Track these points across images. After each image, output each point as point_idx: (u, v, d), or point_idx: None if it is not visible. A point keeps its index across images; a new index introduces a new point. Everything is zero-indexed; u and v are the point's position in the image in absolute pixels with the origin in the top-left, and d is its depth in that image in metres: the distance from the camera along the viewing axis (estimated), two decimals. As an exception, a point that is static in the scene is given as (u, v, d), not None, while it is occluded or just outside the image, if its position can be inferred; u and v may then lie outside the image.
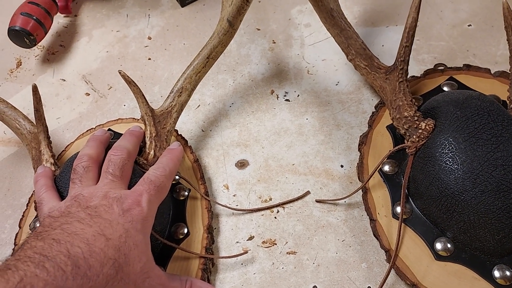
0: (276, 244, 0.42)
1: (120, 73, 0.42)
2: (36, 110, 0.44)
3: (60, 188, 0.39)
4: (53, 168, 0.43)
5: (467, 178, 0.36)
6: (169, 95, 0.46)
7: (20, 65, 0.61)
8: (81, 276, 0.28)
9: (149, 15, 0.64)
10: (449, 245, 0.37)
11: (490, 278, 0.36)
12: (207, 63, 0.47)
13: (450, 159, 0.37)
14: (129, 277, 0.30)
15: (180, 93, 0.46)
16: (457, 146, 0.37)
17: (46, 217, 0.32)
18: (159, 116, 0.44)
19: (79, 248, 0.29)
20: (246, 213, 0.44)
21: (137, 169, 0.41)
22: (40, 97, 0.43)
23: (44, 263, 0.27)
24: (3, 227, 0.46)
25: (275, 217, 0.43)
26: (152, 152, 0.42)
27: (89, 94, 0.56)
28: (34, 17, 0.56)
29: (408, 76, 0.49)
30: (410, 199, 0.40)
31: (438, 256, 0.37)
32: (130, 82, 0.43)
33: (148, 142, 0.43)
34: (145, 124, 0.43)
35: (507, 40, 0.41)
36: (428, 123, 0.40)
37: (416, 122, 0.40)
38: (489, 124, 0.37)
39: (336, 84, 0.52)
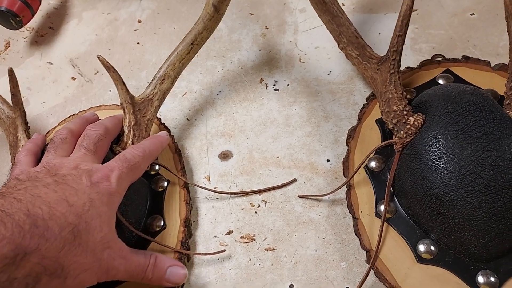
0: (254, 240, 0.40)
1: (99, 58, 0.40)
2: (12, 95, 0.42)
3: None
4: (29, 155, 0.42)
5: (454, 177, 0.34)
6: (151, 82, 0.44)
7: (9, 47, 0.60)
8: (39, 236, 0.28)
9: (140, -3, 0.62)
10: (432, 248, 0.36)
11: (473, 284, 0.34)
12: (191, 49, 0.45)
13: (437, 157, 0.35)
14: (87, 245, 0.30)
15: (163, 80, 0.44)
16: (445, 144, 0.35)
17: (13, 179, 0.33)
18: (139, 104, 0.43)
19: (40, 209, 0.29)
20: (228, 197, 0.42)
21: (112, 157, 0.39)
22: (16, 81, 0.42)
23: (2, 218, 0.27)
24: (-19, 213, 0.45)
25: (256, 212, 0.42)
26: (130, 142, 0.41)
27: (75, 78, 0.55)
28: (21, -2, 0.55)
29: (403, 67, 0.47)
30: (395, 198, 0.39)
31: (420, 259, 0.36)
32: (109, 68, 0.41)
33: (126, 131, 0.41)
34: (124, 112, 0.42)
35: (507, 31, 0.39)
36: (417, 118, 0.38)
37: (405, 117, 0.38)
38: (480, 121, 0.35)
39: (328, 74, 0.50)
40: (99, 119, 0.43)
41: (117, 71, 0.41)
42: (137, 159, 0.36)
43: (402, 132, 0.38)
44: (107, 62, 0.41)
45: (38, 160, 0.38)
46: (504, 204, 0.33)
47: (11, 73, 0.42)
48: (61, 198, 0.30)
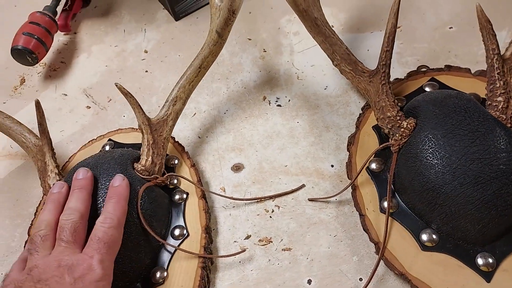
0: (271, 242, 0.44)
1: (116, 85, 0.44)
2: (39, 124, 0.46)
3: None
4: (57, 178, 0.45)
5: (447, 172, 0.38)
6: (164, 104, 0.48)
7: (24, 82, 0.64)
8: None
9: (145, 29, 0.67)
10: (434, 236, 0.40)
11: (474, 266, 0.38)
12: (199, 72, 0.49)
13: (430, 155, 0.39)
14: None
15: (175, 102, 0.48)
16: (436, 142, 0.39)
17: None
18: (155, 125, 0.47)
19: None
20: (244, 205, 0.46)
21: (136, 176, 0.43)
22: (43, 111, 0.46)
23: None
24: (13, 235, 0.48)
25: (270, 216, 0.46)
26: (149, 159, 0.45)
27: (90, 107, 0.59)
28: (36, 36, 0.59)
29: (392, 79, 0.52)
30: (396, 194, 0.43)
31: (424, 247, 0.39)
32: (127, 94, 0.45)
33: (145, 150, 0.45)
34: (142, 132, 0.46)
35: (483, 41, 0.44)
36: (410, 122, 0.42)
37: (399, 121, 0.43)
38: (465, 120, 0.39)
39: (325, 88, 0.55)
40: (69, 190, 0.41)
41: (134, 97, 0.45)
42: (109, 233, 0.37)
43: (397, 135, 0.42)
44: (124, 88, 0.45)
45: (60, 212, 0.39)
46: (494, 192, 0.37)
47: (38, 105, 0.45)
48: None
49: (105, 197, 0.40)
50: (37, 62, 0.60)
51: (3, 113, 0.49)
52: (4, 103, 0.61)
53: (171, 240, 0.43)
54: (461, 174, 0.38)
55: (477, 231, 0.38)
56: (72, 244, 0.37)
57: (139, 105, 0.46)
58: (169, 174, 0.46)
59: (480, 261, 0.38)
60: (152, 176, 0.44)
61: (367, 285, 0.39)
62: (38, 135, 0.48)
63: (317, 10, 0.49)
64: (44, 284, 0.33)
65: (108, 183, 0.41)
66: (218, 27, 0.48)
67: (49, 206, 0.40)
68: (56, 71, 0.64)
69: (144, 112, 0.46)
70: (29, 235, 0.46)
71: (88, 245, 0.36)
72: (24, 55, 0.59)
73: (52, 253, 0.36)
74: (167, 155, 0.49)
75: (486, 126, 0.39)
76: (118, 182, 0.40)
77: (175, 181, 0.47)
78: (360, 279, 0.41)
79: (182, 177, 0.46)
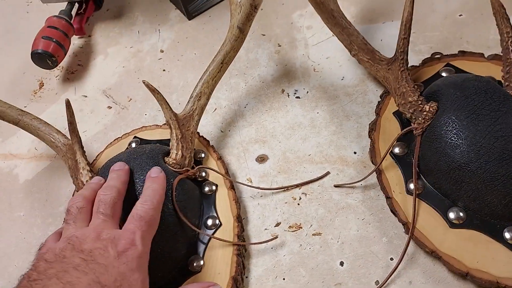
0: (301, 228, 0.45)
1: (144, 82, 0.46)
2: (70, 123, 0.47)
3: None
4: (90, 175, 0.46)
5: (472, 150, 0.39)
6: (189, 100, 0.50)
7: (43, 86, 0.65)
8: None
9: (159, 30, 0.68)
10: (461, 214, 0.41)
11: (501, 240, 0.39)
12: (221, 68, 0.51)
13: (455, 135, 0.40)
14: None
15: (199, 97, 0.50)
16: (460, 123, 0.41)
17: (41, 260, 0.33)
18: (182, 120, 0.48)
19: None
20: (271, 194, 0.47)
21: (168, 169, 0.44)
22: (73, 111, 0.47)
23: None
24: (46, 234, 0.49)
25: (298, 204, 0.47)
26: (179, 153, 0.46)
27: (111, 107, 0.60)
28: (54, 40, 0.60)
29: (408, 66, 0.53)
30: (421, 176, 0.44)
31: (452, 224, 0.41)
32: (154, 90, 0.46)
33: (175, 144, 0.46)
34: (170, 127, 0.47)
35: (496, 25, 0.45)
36: (432, 105, 0.43)
37: (420, 105, 0.44)
38: (487, 101, 0.41)
39: (342, 79, 0.56)
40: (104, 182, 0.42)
41: (160, 93, 0.47)
42: (150, 213, 0.37)
43: (420, 118, 0.44)
44: (152, 85, 0.46)
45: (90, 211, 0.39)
46: (518, 167, 0.39)
47: (68, 104, 0.47)
48: (93, 281, 0.31)
49: (140, 190, 0.42)
50: (57, 65, 0.61)
51: (30, 115, 0.50)
52: (25, 107, 0.62)
53: (204, 230, 0.44)
54: (486, 152, 0.39)
55: (503, 206, 0.39)
56: (111, 218, 0.37)
57: (166, 101, 0.47)
58: (199, 166, 0.47)
59: (507, 234, 0.39)
60: (184, 169, 0.45)
61: (399, 263, 0.40)
62: (66, 135, 0.49)
63: (333, 2, 0.51)
64: (88, 255, 0.32)
65: (142, 177, 0.42)
66: (240, 23, 0.49)
67: (87, 186, 0.41)
68: (74, 73, 0.65)
69: (171, 108, 0.47)
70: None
71: (129, 222, 0.36)
72: (44, 58, 0.60)
73: (90, 225, 0.36)
74: (194, 149, 0.50)
75: (507, 105, 0.40)
76: (156, 174, 0.41)
77: (204, 173, 0.48)
78: (391, 259, 0.42)
79: (212, 169, 0.47)
